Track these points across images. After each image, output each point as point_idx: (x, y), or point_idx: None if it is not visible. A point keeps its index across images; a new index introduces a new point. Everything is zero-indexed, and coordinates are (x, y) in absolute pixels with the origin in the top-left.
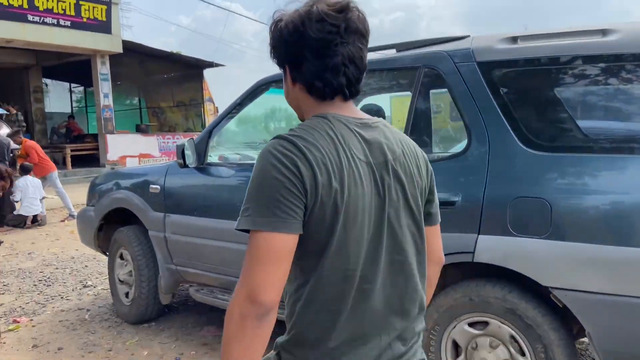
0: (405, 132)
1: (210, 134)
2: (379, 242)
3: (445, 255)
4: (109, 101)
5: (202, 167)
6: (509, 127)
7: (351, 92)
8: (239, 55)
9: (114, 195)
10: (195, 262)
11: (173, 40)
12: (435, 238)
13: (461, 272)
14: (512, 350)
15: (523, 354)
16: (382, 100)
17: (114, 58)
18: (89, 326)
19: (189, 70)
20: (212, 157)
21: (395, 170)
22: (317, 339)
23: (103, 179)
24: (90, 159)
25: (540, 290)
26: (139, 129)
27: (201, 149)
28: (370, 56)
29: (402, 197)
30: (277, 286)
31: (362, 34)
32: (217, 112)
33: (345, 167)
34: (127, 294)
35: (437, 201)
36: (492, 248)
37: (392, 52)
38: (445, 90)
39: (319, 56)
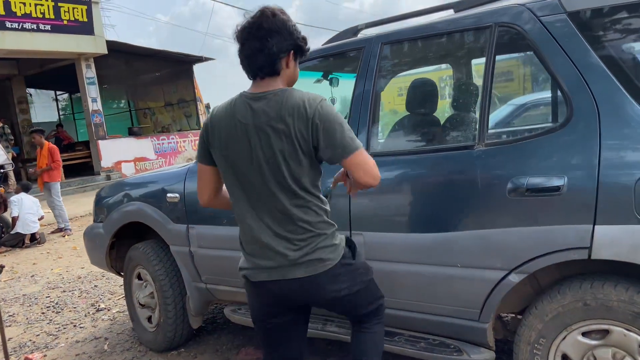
0: (482, 105)
1: None
2: (252, 176)
3: (551, 253)
4: (98, 106)
5: None
6: (623, 88)
7: (255, 75)
8: (222, 50)
9: (125, 209)
10: (230, 279)
11: (153, 40)
12: (351, 170)
13: (564, 271)
14: None
15: None
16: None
17: (98, 60)
18: (110, 359)
19: (178, 67)
20: None
21: (264, 128)
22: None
23: (110, 191)
24: (83, 168)
25: None
26: (131, 132)
27: None
28: (423, 20)
29: (267, 146)
30: (204, 193)
31: (255, 37)
32: (209, 108)
33: (228, 127)
34: (149, 319)
35: (333, 145)
36: (615, 241)
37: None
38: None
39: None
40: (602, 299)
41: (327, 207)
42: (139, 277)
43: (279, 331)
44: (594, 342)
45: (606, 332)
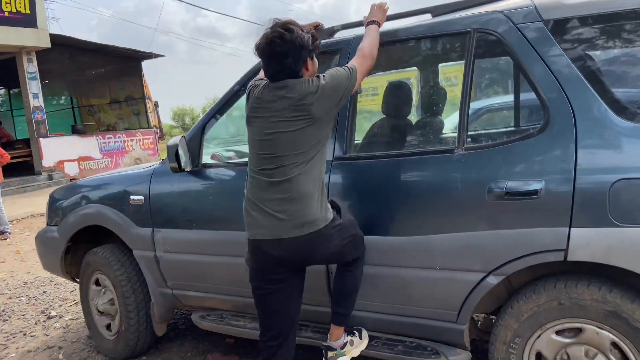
0: (462, 109)
1: (203, 130)
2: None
3: (529, 255)
4: (40, 102)
5: (198, 169)
6: (598, 96)
7: (273, 79)
8: (170, 46)
9: (83, 211)
10: (198, 284)
11: (95, 35)
12: None
13: (536, 272)
14: (612, 359)
15: None
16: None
17: (40, 54)
18: None
19: (125, 63)
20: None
21: (274, 104)
22: None
23: (65, 193)
24: (22, 167)
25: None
26: (75, 130)
27: (194, 149)
28: (403, 23)
29: (272, 117)
30: None
31: (272, 59)
32: (157, 107)
33: (255, 102)
34: (108, 326)
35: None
36: (590, 243)
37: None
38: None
39: None
40: (575, 298)
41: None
42: (97, 283)
43: (276, 297)
44: (567, 341)
45: (579, 331)
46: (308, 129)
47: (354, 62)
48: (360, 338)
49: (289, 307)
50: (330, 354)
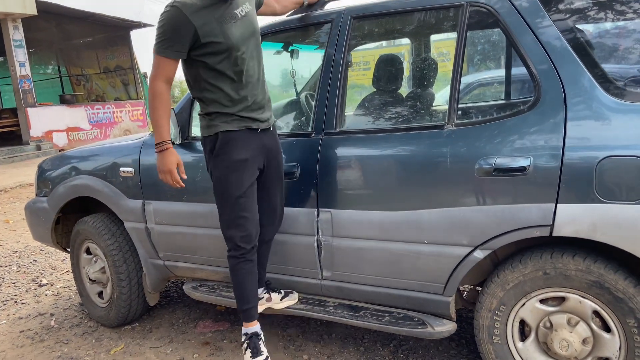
0: (452, 84)
1: (192, 102)
2: None
3: (516, 230)
4: (27, 71)
5: (188, 142)
6: (588, 72)
7: None
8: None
9: (73, 182)
10: (189, 256)
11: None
12: None
13: (521, 245)
14: (594, 327)
15: (608, 330)
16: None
17: (27, 22)
18: (59, 335)
19: (114, 32)
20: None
21: None
22: None
23: (54, 164)
24: (10, 137)
25: (625, 258)
26: (63, 100)
27: (184, 121)
28: None
29: None
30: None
31: None
32: (147, 77)
33: None
34: (100, 294)
35: None
36: (576, 219)
37: None
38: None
39: None
40: (561, 268)
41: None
42: (88, 252)
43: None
44: (550, 309)
45: (562, 300)
46: None
47: None
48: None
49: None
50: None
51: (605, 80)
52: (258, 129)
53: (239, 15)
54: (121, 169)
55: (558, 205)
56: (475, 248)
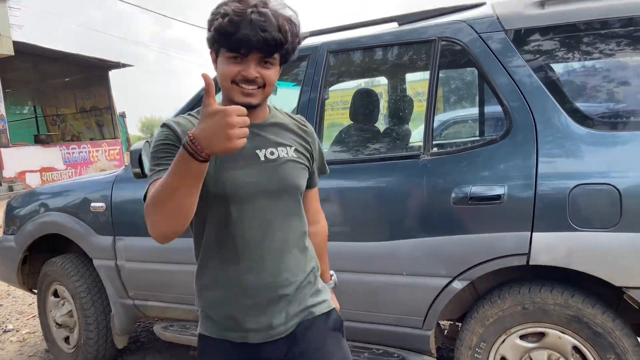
0: (427, 116)
1: None
2: None
3: (493, 259)
4: (1, 111)
5: None
6: (558, 104)
7: None
8: (138, 57)
9: (42, 219)
10: (161, 294)
11: (61, 45)
12: None
13: (500, 278)
14: None
15: None
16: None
17: (3, 62)
18: None
19: (92, 73)
20: None
21: None
22: None
23: (23, 201)
24: None
25: (601, 291)
26: (38, 140)
27: None
28: (369, 32)
29: None
30: None
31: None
32: (125, 117)
33: None
34: (67, 339)
35: None
36: (551, 247)
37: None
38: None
39: None
40: (539, 302)
41: None
42: (56, 294)
43: None
44: (530, 345)
45: (542, 335)
46: None
47: None
48: None
49: None
50: None
51: (575, 111)
52: (244, 342)
53: (262, 158)
54: (92, 204)
55: (534, 233)
56: (454, 278)
